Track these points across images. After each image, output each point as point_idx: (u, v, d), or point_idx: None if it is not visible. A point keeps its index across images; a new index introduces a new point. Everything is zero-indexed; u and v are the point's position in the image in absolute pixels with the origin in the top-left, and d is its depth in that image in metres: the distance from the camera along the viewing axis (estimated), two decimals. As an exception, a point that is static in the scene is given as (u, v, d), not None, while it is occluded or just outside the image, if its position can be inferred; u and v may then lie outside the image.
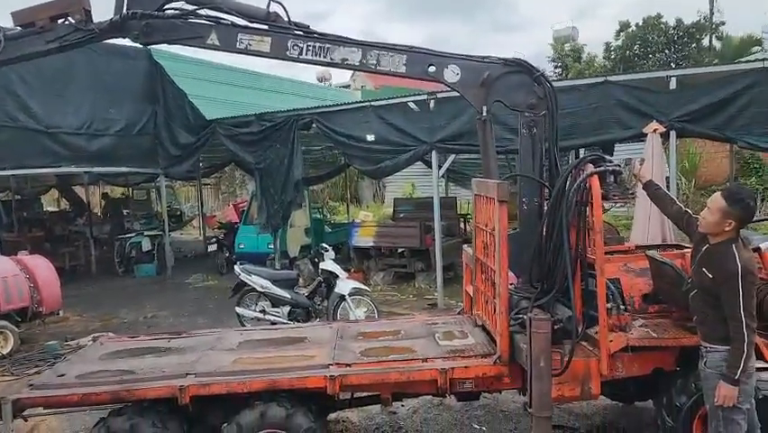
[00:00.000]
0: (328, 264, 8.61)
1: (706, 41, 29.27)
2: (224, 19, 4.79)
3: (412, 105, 10.33)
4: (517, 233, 4.69)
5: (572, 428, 5.33)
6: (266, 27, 4.77)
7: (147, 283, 13.82)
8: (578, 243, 4.27)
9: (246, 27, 4.79)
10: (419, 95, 10.16)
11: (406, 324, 5.64)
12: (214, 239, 15.50)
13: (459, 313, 5.86)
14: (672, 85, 8.55)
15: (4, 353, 8.05)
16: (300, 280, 9.56)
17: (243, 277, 8.43)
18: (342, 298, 8.29)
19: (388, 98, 10.91)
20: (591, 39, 58.33)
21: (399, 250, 12.30)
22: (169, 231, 15.94)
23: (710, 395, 3.57)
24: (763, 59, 8.95)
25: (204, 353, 4.85)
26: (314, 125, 11.14)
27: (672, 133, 8.55)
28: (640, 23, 29.41)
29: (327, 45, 4.76)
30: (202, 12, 4.79)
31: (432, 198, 10.79)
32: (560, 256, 4.25)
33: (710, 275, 3.51)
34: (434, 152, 10.11)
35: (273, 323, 7.95)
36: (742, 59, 15.78)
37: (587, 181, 4.13)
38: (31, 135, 11.46)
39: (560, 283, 4.29)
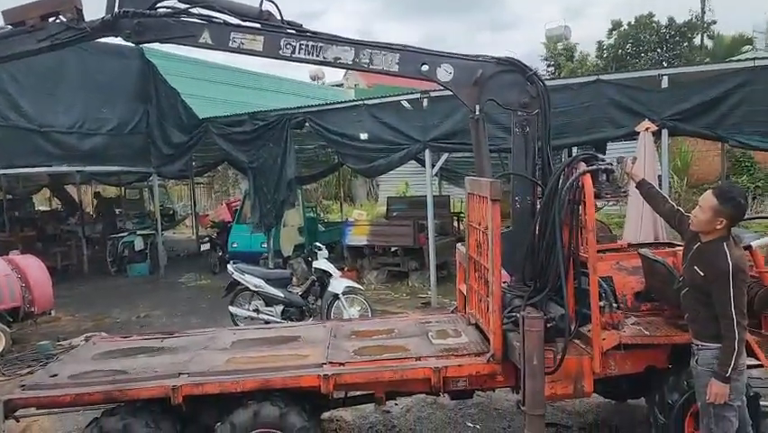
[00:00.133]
0: (322, 263, 8.60)
1: (697, 40, 29.44)
2: (216, 18, 4.78)
3: (405, 104, 10.34)
4: (510, 231, 4.71)
5: (565, 425, 5.35)
6: (258, 26, 4.76)
7: (140, 283, 13.77)
8: (570, 241, 4.29)
9: (239, 26, 4.78)
10: (412, 93, 10.16)
11: (400, 323, 5.65)
12: (207, 238, 15.47)
13: (452, 312, 5.87)
14: (664, 84, 8.60)
15: (-4, 353, 8.01)
16: (294, 279, 9.54)
17: (237, 276, 8.41)
18: (336, 297, 8.29)
19: (382, 97, 10.90)
20: (584, 38, 58.73)
21: (393, 249, 12.30)
22: (162, 230, 15.89)
23: (702, 392, 3.60)
24: (754, 59, 9.03)
25: (197, 352, 4.83)
26: (307, 124, 11.12)
27: (664, 132, 8.60)
28: (632, 22, 29.53)
29: (320, 44, 4.76)
30: (194, 10, 4.77)
31: (425, 196, 10.80)
32: (553, 255, 4.27)
33: (702, 273, 3.53)
34: (427, 151, 10.12)
35: (267, 322, 7.94)
36: (733, 59, 15.90)
37: (579, 180, 4.15)
38: (22, 134, 11.39)
39: (553, 282, 4.31)
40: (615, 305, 4.39)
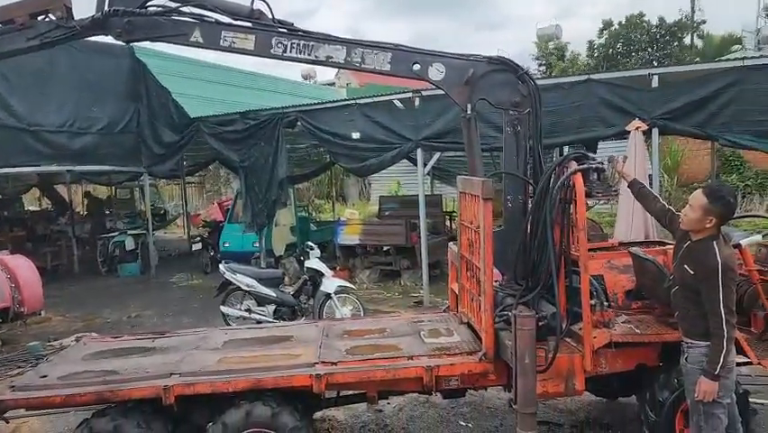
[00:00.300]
0: (314, 263, 8.59)
1: (687, 40, 29.64)
2: (207, 16, 4.76)
3: (397, 103, 10.33)
4: (502, 230, 4.72)
5: (557, 423, 5.37)
6: (250, 25, 4.75)
7: (131, 283, 13.70)
8: (562, 240, 4.31)
9: (230, 25, 4.76)
10: (404, 92, 10.16)
11: (392, 322, 5.65)
12: (199, 238, 15.40)
13: (444, 311, 5.88)
14: (654, 83, 8.65)
15: (-15, 354, 7.95)
16: (286, 278, 9.54)
17: (228, 276, 8.38)
18: (328, 296, 8.28)
19: (374, 96, 10.90)
20: (575, 37, 58.90)
21: (385, 248, 12.30)
22: (153, 230, 15.83)
23: (692, 390, 3.62)
24: (743, 58, 9.09)
25: (188, 352, 4.82)
26: (299, 123, 11.11)
27: (655, 131, 8.65)
28: (623, 22, 29.70)
29: (311, 43, 4.75)
30: (185, 9, 4.75)
31: (417, 195, 10.81)
32: (544, 253, 4.29)
33: (692, 271, 3.56)
34: (419, 150, 10.13)
35: (258, 322, 7.92)
36: (722, 58, 16.00)
37: (570, 179, 4.17)
38: (12, 133, 11.30)
39: (544, 280, 4.33)
40: (606, 303, 4.41)
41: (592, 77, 9.09)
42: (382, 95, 10.70)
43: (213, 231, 15.34)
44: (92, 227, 16.99)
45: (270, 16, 4.74)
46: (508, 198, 4.72)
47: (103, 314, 10.62)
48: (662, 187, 15.67)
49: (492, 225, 4.23)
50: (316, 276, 8.48)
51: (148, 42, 5.36)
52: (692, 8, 29.41)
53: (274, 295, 8.29)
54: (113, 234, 15.33)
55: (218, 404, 4.17)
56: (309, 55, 4.76)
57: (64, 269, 15.37)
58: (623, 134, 8.66)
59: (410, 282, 11.81)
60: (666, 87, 8.66)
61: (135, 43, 7.82)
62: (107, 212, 18.95)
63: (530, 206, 4.55)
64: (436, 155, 10.82)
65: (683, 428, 4.17)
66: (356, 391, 4.74)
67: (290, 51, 4.73)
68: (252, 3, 4.70)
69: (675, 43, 29.14)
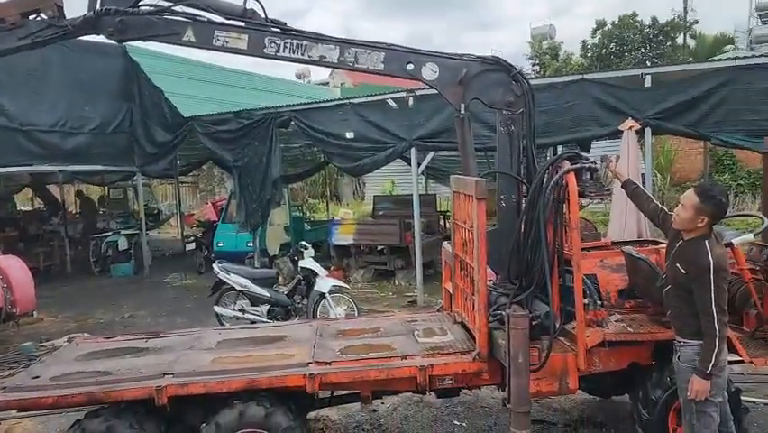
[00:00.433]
0: (308, 262, 8.58)
1: (680, 40, 29.74)
2: (200, 16, 4.74)
3: (391, 103, 10.34)
4: (496, 230, 4.72)
5: (551, 422, 5.38)
6: (242, 24, 4.74)
7: (124, 283, 13.65)
8: (555, 239, 4.32)
9: (223, 24, 4.74)
10: (398, 92, 10.16)
11: (386, 321, 5.65)
12: (193, 238, 15.34)
13: (438, 310, 5.88)
14: (647, 83, 8.67)
15: (-23, 355, 7.90)
16: (280, 278, 9.52)
17: (222, 276, 8.37)
18: (322, 296, 8.28)
19: (367, 96, 10.90)
20: (568, 37, 59.00)
21: (379, 247, 12.30)
22: (147, 230, 15.77)
23: (684, 389, 3.64)
24: (735, 58, 9.13)
25: (182, 352, 4.80)
26: (292, 123, 11.09)
27: (647, 131, 8.68)
28: (616, 22, 29.79)
29: (305, 42, 4.74)
30: (178, 8, 4.73)
31: (411, 195, 10.81)
32: (538, 253, 4.30)
33: (684, 270, 3.57)
34: (413, 150, 10.13)
35: (252, 322, 7.91)
36: (715, 58, 16.08)
37: (563, 178, 4.17)
38: (4, 133, 11.23)
39: (538, 279, 4.34)
40: (599, 302, 4.43)
41: (586, 76, 9.12)
42: (376, 94, 10.70)
43: (206, 231, 15.30)
44: (84, 227, 16.92)
45: (263, 16, 4.73)
46: (502, 197, 4.73)
47: (96, 314, 10.58)
48: (655, 186, 15.74)
49: (486, 224, 4.24)
50: (310, 276, 8.48)
51: (140, 42, 5.34)
52: (685, 8, 29.50)
53: (268, 295, 8.28)
54: (106, 234, 15.26)
55: (212, 404, 4.16)
56: (302, 55, 4.75)
57: (56, 269, 15.29)
58: (616, 134, 8.69)
59: (404, 282, 11.81)
60: (659, 86, 8.69)
61: (128, 43, 7.78)
62: (101, 211, 18.86)
63: (523, 205, 4.56)
64: (430, 155, 10.83)
65: (676, 426, 4.19)
66: (350, 391, 4.74)
67: (283, 51, 4.72)
68: (245, 2, 4.69)
69: (668, 43, 29.25)
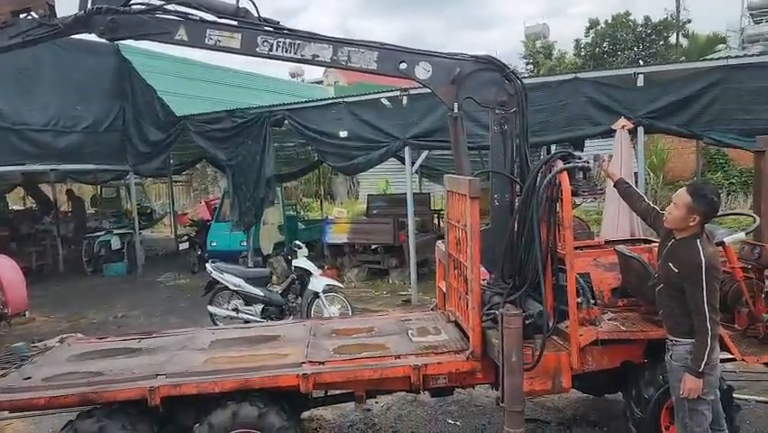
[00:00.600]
0: (301, 261, 8.57)
1: (673, 39, 29.88)
2: (192, 14, 4.72)
3: (385, 102, 10.33)
4: (489, 229, 4.73)
5: (544, 421, 5.40)
6: (235, 23, 4.72)
7: (117, 283, 13.59)
8: (548, 238, 4.33)
9: (215, 23, 4.73)
10: (392, 91, 10.15)
11: (380, 321, 5.64)
12: (186, 237, 15.31)
13: (432, 309, 5.88)
14: (640, 82, 8.70)
15: (-31, 356, 7.84)
16: (273, 277, 9.49)
17: (216, 275, 8.34)
18: (316, 295, 8.27)
19: (361, 95, 10.89)
20: (562, 36, 59.11)
21: (373, 246, 12.29)
22: (140, 229, 15.69)
23: (676, 387, 3.65)
24: (728, 57, 9.17)
25: (175, 353, 4.78)
26: (286, 122, 11.06)
27: (640, 130, 8.71)
28: (609, 21, 29.89)
29: (298, 41, 4.73)
30: (170, 7, 4.71)
31: (405, 194, 10.81)
32: (531, 252, 4.30)
33: (676, 269, 3.58)
34: (407, 149, 10.13)
35: (246, 321, 7.89)
36: (707, 57, 16.15)
37: (557, 178, 4.18)
38: (-5, 132, 11.17)
39: (531, 278, 4.34)
40: (592, 301, 4.45)
41: (579, 75, 9.14)
42: (370, 93, 10.69)
43: (200, 230, 15.27)
44: (74, 227, 16.83)
45: (256, 14, 4.71)
46: (495, 196, 4.73)
47: (88, 314, 10.53)
48: (648, 185, 15.80)
49: (479, 223, 4.24)
50: (304, 275, 8.46)
51: (133, 40, 5.32)
52: (678, 7, 29.68)
53: (262, 294, 8.26)
54: (98, 233, 15.19)
55: (205, 405, 4.15)
56: (295, 54, 4.74)
57: (49, 269, 15.21)
58: (609, 133, 8.71)
59: (398, 281, 11.81)
60: (652, 85, 8.72)
61: (120, 41, 7.75)
62: (93, 210, 18.77)
63: (517, 204, 4.56)
64: (424, 153, 10.83)
65: (669, 424, 4.21)
66: (344, 391, 4.74)
67: (276, 50, 4.71)
68: (238, 1, 4.68)
69: (661, 42, 29.39)
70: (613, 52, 29.25)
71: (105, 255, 14.56)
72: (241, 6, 4.68)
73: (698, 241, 3.53)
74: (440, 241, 5.71)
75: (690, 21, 30.33)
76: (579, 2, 70.25)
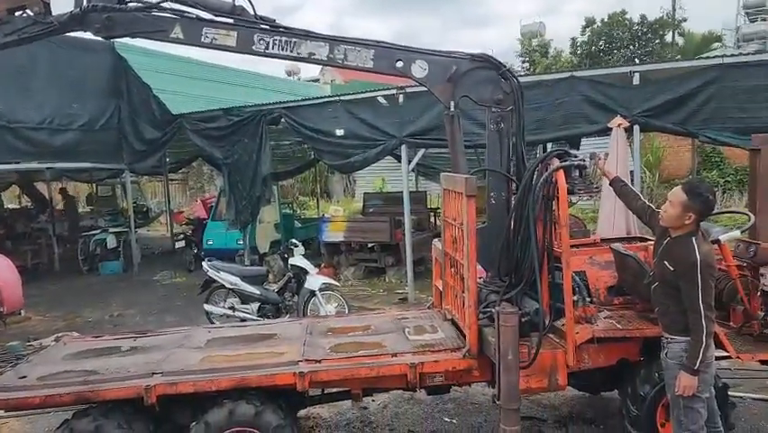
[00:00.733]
0: (298, 260, 8.56)
1: (669, 38, 29.95)
2: (188, 12, 4.71)
3: (381, 100, 10.32)
4: (486, 227, 4.73)
5: (541, 418, 5.41)
6: (231, 21, 4.71)
7: (112, 281, 13.55)
8: (544, 236, 4.33)
9: (211, 21, 4.72)
10: (389, 89, 10.15)
11: (377, 319, 5.64)
12: (182, 235, 15.27)
13: (429, 307, 5.89)
14: (636, 80, 8.72)
15: (-36, 354, 7.81)
16: (270, 276, 9.48)
17: (212, 274, 8.33)
18: (313, 293, 8.26)
19: (358, 93, 10.88)
20: (558, 34, 59.18)
21: (370, 245, 12.28)
22: (136, 227, 15.67)
23: (671, 385, 3.66)
24: (723, 56, 9.19)
25: (171, 351, 4.78)
26: (282, 120, 11.05)
27: (636, 128, 8.73)
28: (605, 19, 29.93)
29: (294, 39, 4.72)
30: (165, 5, 4.70)
31: (402, 192, 10.81)
32: (527, 250, 4.31)
33: (671, 267, 3.59)
34: (403, 147, 10.13)
35: (242, 320, 7.88)
36: (703, 56, 16.19)
37: (553, 176, 4.19)
38: (-10, 130, 11.13)
39: (527, 277, 4.35)
40: (588, 299, 4.46)
41: (575, 74, 9.15)
42: (366, 91, 10.68)
43: (196, 228, 15.23)
44: (68, 225, 16.78)
45: (252, 12, 4.71)
46: (492, 194, 4.74)
47: (84, 313, 10.50)
48: (644, 183, 15.85)
49: (476, 221, 4.24)
50: (301, 273, 8.45)
51: (128, 38, 5.30)
52: (674, 6, 29.75)
53: (258, 293, 8.25)
54: (94, 231, 15.15)
55: (201, 403, 4.15)
56: (292, 52, 4.74)
57: (44, 267, 15.17)
58: (605, 131, 8.72)
59: (395, 279, 11.82)
60: (648, 84, 8.74)
61: (115, 39, 7.74)
62: (89, 209, 18.71)
63: (513, 203, 4.57)
64: (421, 152, 10.82)
65: (664, 421, 4.22)
66: (340, 389, 4.74)
67: (272, 48, 4.70)
68: (234, -1, 4.67)
69: (657, 41, 29.44)
70: (609, 51, 29.30)
71: (100, 254, 14.53)
72: (237, 4, 4.68)
73: (693, 239, 3.53)
74: (436, 239, 5.71)
75: (685, 19, 30.45)
76: (575, 0, 70.30)
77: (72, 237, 15.97)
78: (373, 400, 5.79)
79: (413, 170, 12.64)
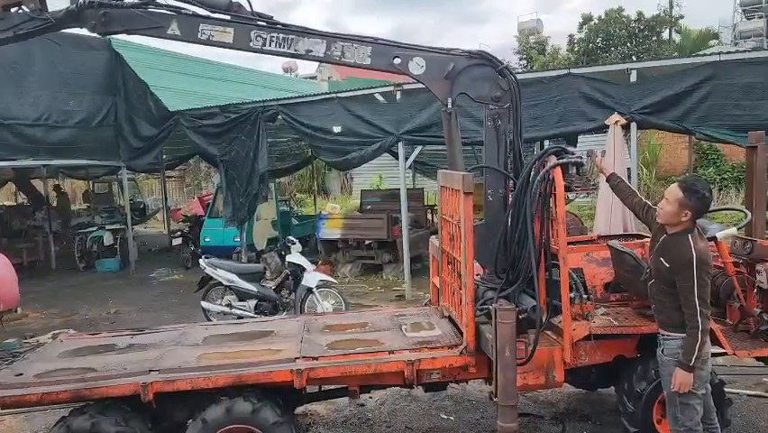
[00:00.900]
0: (295, 257, 8.56)
1: (666, 35, 29.98)
2: (185, 9, 4.70)
3: (378, 97, 10.32)
4: (483, 224, 4.74)
5: (538, 415, 5.42)
6: (228, 18, 4.70)
7: (109, 278, 13.53)
8: (542, 233, 4.34)
9: (208, 17, 4.71)
10: (386, 86, 10.14)
11: (374, 316, 5.64)
12: (179, 233, 15.25)
13: (426, 305, 5.89)
14: (633, 77, 8.74)
15: (-40, 352, 7.79)
16: (267, 273, 9.48)
17: (209, 271, 8.32)
18: (310, 290, 8.26)
19: (355, 90, 10.87)
20: (555, 31, 59.16)
21: (367, 242, 12.29)
22: (133, 225, 15.64)
23: (667, 381, 3.67)
24: (720, 53, 9.20)
25: (168, 349, 4.77)
26: (279, 117, 11.04)
27: (633, 125, 8.74)
28: (602, 17, 29.94)
29: (291, 36, 4.71)
30: (162, 1, 4.69)
31: (399, 189, 10.81)
32: (524, 247, 4.31)
33: (667, 264, 3.60)
34: (400, 144, 10.13)
35: (240, 317, 7.87)
36: (700, 53, 16.21)
37: (550, 173, 4.19)
38: (-14, 127, 11.10)
39: (525, 274, 4.35)
40: (585, 296, 4.46)
41: (572, 71, 9.16)
42: (363, 88, 10.67)
43: (193, 226, 15.22)
44: (60, 222, 16.75)
45: (249, 9, 4.70)
46: (489, 191, 4.74)
47: (81, 310, 10.49)
48: (641, 180, 15.87)
49: (473, 218, 4.24)
50: (298, 270, 8.45)
51: (125, 35, 5.29)
52: (670, 3, 29.78)
53: (255, 290, 8.24)
54: (91, 228, 15.12)
55: (199, 401, 4.14)
56: (289, 49, 4.73)
57: (41, 265, 15.14)
58: (602, 128, 8.74)
59: (392, 276, 11.82)
60: (645, 81, 8.76)
61: (112, 36, 7.72)
62: (86, 206, 18.68)
63: (510, 199, 4.57)
64: (418, 149, 10.84)
65: (660, 418, 4.24)
66: (338, 386, 4.74)
67: (270, 45, 4.70)
68: (231, -5, 4.66)
69: (654, 38, 29.46)
70: (606, 48, 29.31)
71: (97, 251, 14.51)
72: (234, 1, 4.67)
73: (689, 236, 3.54)
74: (433, 236, 5.71)
75: (682, 16, 30.47)
76: (572, -3, 70.30)
77: (64, 234, 15.92)
78: (370, 397, 5.80)
79: (410, 168, 12.64)
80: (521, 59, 32.40)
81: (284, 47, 4.72)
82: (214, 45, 4.77)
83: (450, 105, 4.76)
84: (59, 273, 14.35)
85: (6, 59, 10.96)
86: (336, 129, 10.40)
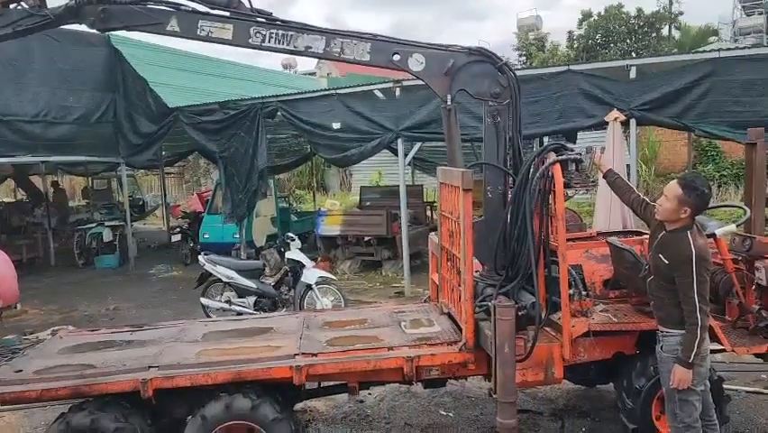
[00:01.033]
0: (294, 253, 8.56)
1: (665, 31, 29.97)
2: (184, 5, 4.69)
3: (378, 93, 10.30)
4: (482, 220, 4.74)
5: (537, 412, 5.43)
6: (228, 14, 4.69)
7: (108, 275, 13.54)
8: (541, 230, 4.34)
9: (207, 14, 4.70)
10: (385, 82, 10.13)
11: (373, 313, 5.64)
12: (178, 229, 15.27)
13: (425, 301, 5.89)
14: (632, 74, 8.72)
15: (-41, 348, 7.80)
16: (266, 269, 9.48)
17: (208, 267, 8.32)
18: (309, 287, 8.26)
19: (354, 86, 10.86)
20: (555, 28, 59.10)
21: (366, 238, 12.29)
22: (132, 221, 15.63)
23: (666, 378, 3.68)
24: (719, 49, 9.19)
25: (167, 345, 4.77)
26: (279, 113, 11.02)
27: (632, 122, 8.73)
28: (602, 13, 29.92)
29: (290, 33, 4.71)
30: (161, -3, 4.68)
31: (398, 186, 10.81)
32: (524, 243, 4.31)
33: (666, 261, 3.60)
34: (400, 140, 10.12)
35: (239, 313, 7.87)
36: (699, 49, 16.19)
37: (549, 170, 4.19)
38: (-16, 124, 11.08)
39: (524, 270, 4.35)
40: (584, 293, 4.46)
41: (572, 67, 9.15)
42: (363, 85, 10.66)
43: (192, 222, 15.23)
44: (57, 219, 16.74)
45: (249, 5, 4.69)
46: (488, 188, 4.74)
47: (80, 307, 10.49)
48: (640, 177, 15.87)
49: (472, 215, 4.24)
50: (297, 267, 8.45)
51: (124, 31, 5.28)
52: (670, 0, 29.73)
53: (254, 286, 8.25)
54: (90, 225, 15.11)
55: (198, 397, 4.14)
56: (288, 45, 4.72)
57: (40, 261, 15.14)
58: (602, 125, 8.73)
59: (391, 273, 11.83)
60: (644, 78, 8.74)
61: (111, 32, 7.70)
62: (85, 202, 18.67)
63: (510, 196, 4.57)
64: (417, 145, 10.82)
65: (659, 414, 4.25)
66: (337, 382, 4.74)
67: (269, 41, 4.69)
68: (230, -8, 4.65)
69: (653, 34, 29.47)
70: (606, 44, 29.32)
71: (96, 247, 14.51)
72: (233, -3, 4.65)
73: (688, 233, 3.54)
74: (433, 233, 5.71)
75: (682, 13, 30.50)
76: (571, -6, 70.08)
77: (62, 230, 15.90)
78: (370, 394, 5.80)
79: (409, 164, 12.62)
80: (520, 56, 32.38)
81: (283, 43, 4.71)
82: (214, 41, 4.77)
83: (449, 102, 4.76)
84: (58, 270, 14.35)
85: (5, 56, 10.94)
86: (335, 125, 10.39)
